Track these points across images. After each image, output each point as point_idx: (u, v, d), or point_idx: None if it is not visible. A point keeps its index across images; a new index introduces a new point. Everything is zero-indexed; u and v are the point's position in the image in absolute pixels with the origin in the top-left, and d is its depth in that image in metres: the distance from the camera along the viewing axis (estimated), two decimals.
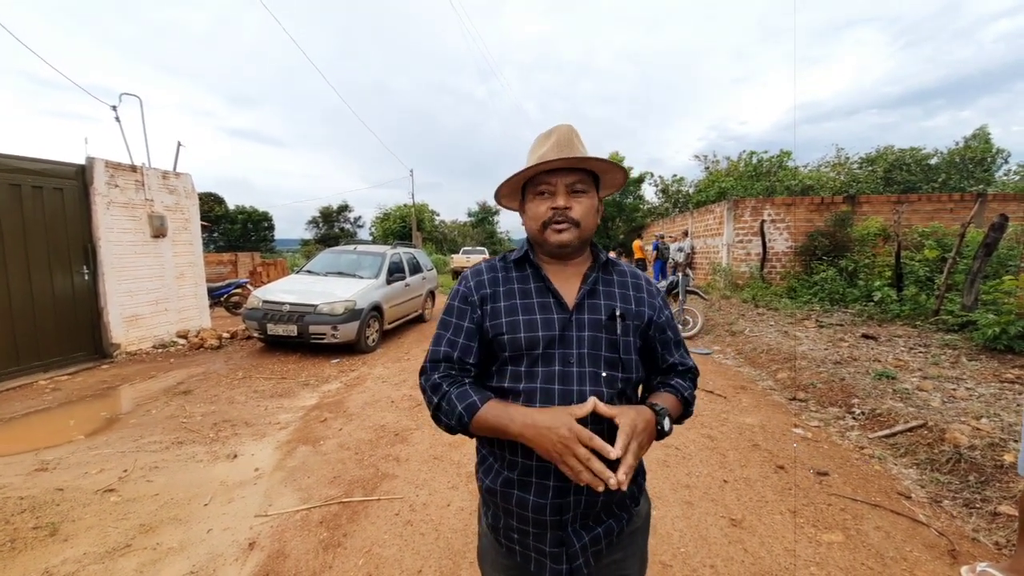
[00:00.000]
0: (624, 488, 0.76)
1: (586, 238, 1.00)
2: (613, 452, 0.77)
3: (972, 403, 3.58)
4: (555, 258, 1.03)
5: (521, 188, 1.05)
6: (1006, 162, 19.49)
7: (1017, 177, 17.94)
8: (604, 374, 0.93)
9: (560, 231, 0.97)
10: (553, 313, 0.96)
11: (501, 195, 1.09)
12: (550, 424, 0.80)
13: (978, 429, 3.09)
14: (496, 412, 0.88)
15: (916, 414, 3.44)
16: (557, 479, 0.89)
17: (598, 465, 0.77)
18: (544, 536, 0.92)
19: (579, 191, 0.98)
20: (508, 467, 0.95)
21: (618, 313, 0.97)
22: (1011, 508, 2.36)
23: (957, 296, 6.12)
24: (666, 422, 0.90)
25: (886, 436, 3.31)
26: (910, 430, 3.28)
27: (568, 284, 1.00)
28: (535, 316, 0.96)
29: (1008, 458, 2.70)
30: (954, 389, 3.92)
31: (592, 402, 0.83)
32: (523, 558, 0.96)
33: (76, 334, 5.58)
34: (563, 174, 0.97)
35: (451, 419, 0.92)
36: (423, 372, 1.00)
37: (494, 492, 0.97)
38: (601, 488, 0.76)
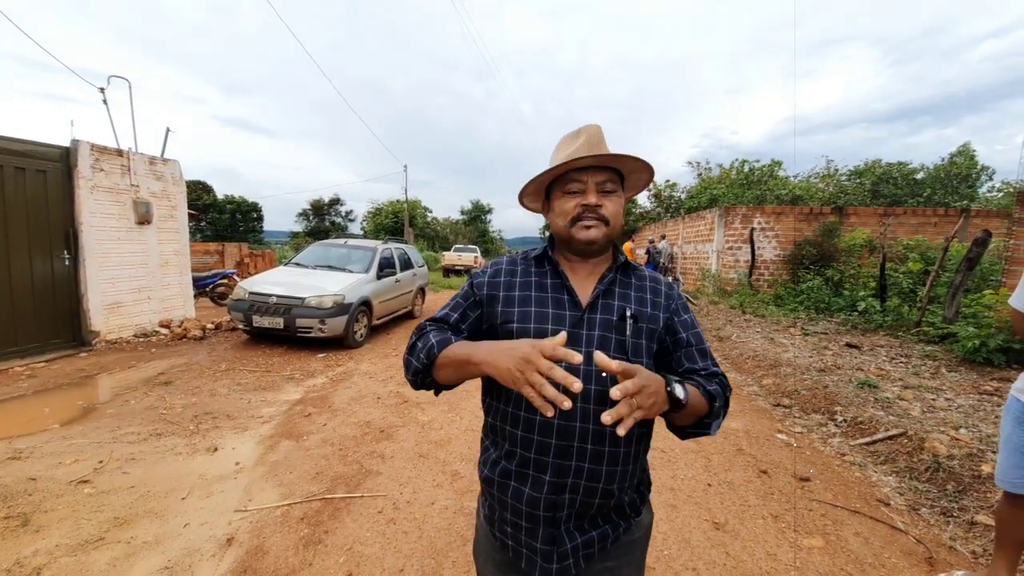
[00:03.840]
0: (618, 427, 0.70)
1: (613, 236, 1.00)
2: (576, 356, 0.69)
3: (951, 413, 3.65)
4: (580, 256, 1.02)
5: (546, 188, 1.05)
6: (990, 179, 19.94)
7: (1000, 194, 18.34)
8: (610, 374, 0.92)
9: (589, 227, 0.96)
10: (566, 310, 0.96)
11: (525, 194, 1.08)
12: (513, 344, 0.76)
13: (957, 439, 3.14)
14: (465, 345, 0.88)
15: (896, 423, 3.49)
16: (553, 474, 0.89)
17: (561, 373, 0.68)
18: (536, 532, 0.92)
19: (609, 190, 0.97)
20: (507, 457, 0.95)
21: (628, 314, 0.95)
22: (988, 518, 2.40)
23: (939, 308, 6.24)
24: (677, 388, 0.80)
25: (867, 444, 3.35)
26: (890, 438, 3.33)
27: (584, 283, 1.00)
28: (547, 310, 0.96)
29: (986, 468, 2.75)
30: (934, 399, 3.99)
31: (563, 336, 0.77)
32: (515, 553, 0.96)
33: (55, 320, 5.45)
34: (594, 172, 0.96)
35: (420, 353, 0.92)
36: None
37: (491, 482, 0.97)
38: (567, 405, 0.68)
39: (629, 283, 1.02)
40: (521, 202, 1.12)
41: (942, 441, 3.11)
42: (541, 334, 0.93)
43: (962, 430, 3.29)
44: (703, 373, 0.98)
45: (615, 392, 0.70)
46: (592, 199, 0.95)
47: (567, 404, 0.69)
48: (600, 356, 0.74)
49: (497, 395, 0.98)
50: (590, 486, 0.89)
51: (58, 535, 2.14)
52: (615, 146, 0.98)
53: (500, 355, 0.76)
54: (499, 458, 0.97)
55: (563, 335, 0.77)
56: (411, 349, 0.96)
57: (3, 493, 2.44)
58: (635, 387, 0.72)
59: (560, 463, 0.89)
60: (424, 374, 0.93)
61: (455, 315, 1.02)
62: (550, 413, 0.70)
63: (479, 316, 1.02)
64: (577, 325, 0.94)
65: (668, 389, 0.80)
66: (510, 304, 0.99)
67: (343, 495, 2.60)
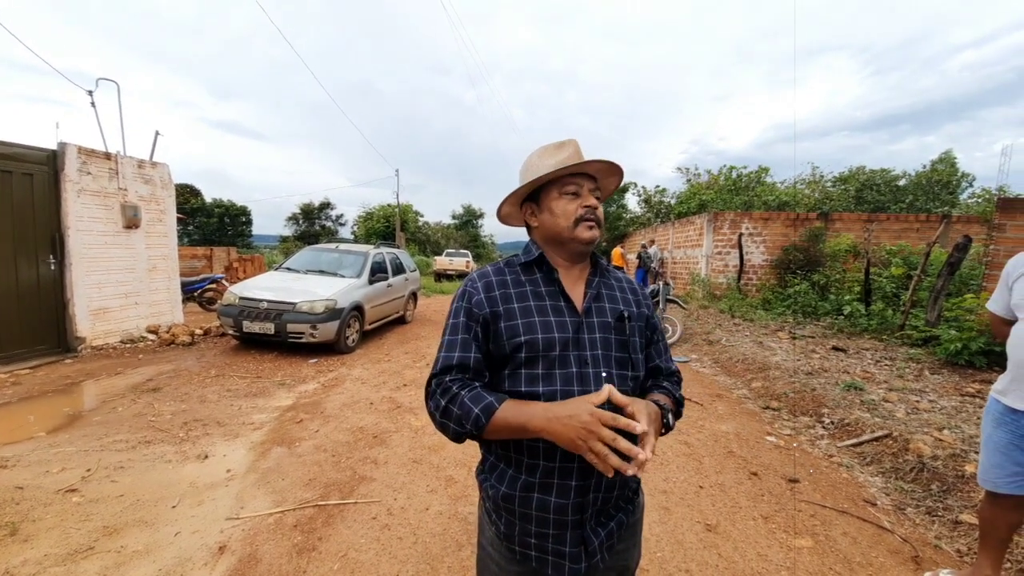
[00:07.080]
0: (640, 470, 0.78)
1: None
2: (638, 426, 0.77)
3: (935, 415, 3.73)
4: (573, 259, 1.06)
5: (523, 196, 1.07)
6: (971, 186, 20.42)
7: (981, 200, 18.80)
8: (616, 374, 0.97)
9: (592, 227, 1.02)
10: (566, 316, 0.99)
11: (514, 197, 1.07)
12: (571, 412, 0.80)
13: (940, 440, 3.22)
14: (515, 410, 0.87)
15: (882, 424, 3.56)
16: (579, 478, 0.93)
17: (625, 444, 0.75)
18: (564, 537, 0.94)
19: (597, 197, 1.05)
20: (527, 471, 0.95)
21: (626, 314, 1.03)
22: (972, 517, 2.46)
23: (921, 312, 6.37)
24: (670, 417, 0.95)
25: (854, 445, 3.42)
26: (876, 440, 3.39)
27: (574, 288, 1.04)
28: (550, 318, 0.98)
29: (969, 469, 2.82)
30: (918, 401, 4.07)
31: (607, 389, 0.83)
32: (539, 563, 0.96)
33: (39, 326, 5.35)
34: (586, 178, 1.03)
35: (465, 422, 0.89)
36: (433, 377, 0.96)
37: (511, 498, 0.96)
38: (631, 471, 0.75)
39: (612, 285, 1.09)
40: (500, 208, 1.10)
41: (926, 442, 3.18)
42: (549, 343, 0.94)
43: (945, 431, 3.36)
44: (666, 371, 1.10)
45: (642, 426, 0.79)
46: (592, 201, 1.02)
47: (631, 471, 0.75)
48: (615, 393, 0.83)
49: None
50: (612, 480, 0.95)
51: (47, 544, 2.11)
52: (598, 152, 1.05)
53: (559, 425, 0.81)
54: (516, 472, 0.96)
55: (607, 388, 0.83)
56: (445, 412, 0.91)
57: None
58: (653, 430, 0.84)
59: (584, 466, 0.92)
60: (473, 438, 0.92)
61: (472, 356, 0.95)
62: (611, 473, 0.77)
63: (487, 337, 0.98)
64: (578, 330, 0.98)
65: (664, 421, 0.93)
66: (512, 317, 0.97)
67: (337, 501, 2.59)
